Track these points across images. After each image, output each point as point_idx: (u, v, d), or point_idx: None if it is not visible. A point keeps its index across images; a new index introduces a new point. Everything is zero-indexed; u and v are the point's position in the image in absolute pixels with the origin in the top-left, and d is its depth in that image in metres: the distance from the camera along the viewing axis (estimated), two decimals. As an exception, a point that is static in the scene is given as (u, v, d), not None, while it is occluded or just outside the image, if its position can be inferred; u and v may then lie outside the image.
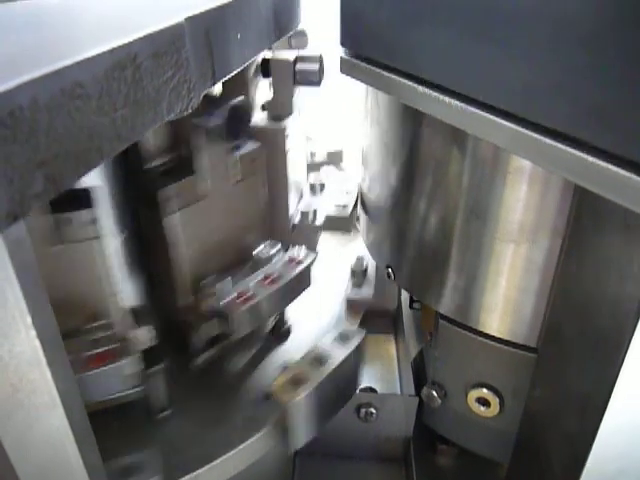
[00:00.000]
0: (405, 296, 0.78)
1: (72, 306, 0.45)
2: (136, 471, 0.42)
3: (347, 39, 0.49)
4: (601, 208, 0.37)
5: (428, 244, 0.53)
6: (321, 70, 0.62)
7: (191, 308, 0.53)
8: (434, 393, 0.58)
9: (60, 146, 0.24)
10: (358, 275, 0.76)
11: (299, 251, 0.58)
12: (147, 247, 0.54)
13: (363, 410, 0.66)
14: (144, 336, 0.48)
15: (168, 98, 0.32)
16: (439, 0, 0.38)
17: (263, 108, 0.65)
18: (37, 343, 0.26)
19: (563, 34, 0.31)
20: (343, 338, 0.54)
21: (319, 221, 0.69)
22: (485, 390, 0.54)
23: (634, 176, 0.30)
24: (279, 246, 0.57)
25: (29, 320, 0.26)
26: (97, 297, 0.46)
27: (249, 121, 0.49)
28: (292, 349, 0.61)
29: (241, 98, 0.51)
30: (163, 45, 0.31)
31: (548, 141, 0.33)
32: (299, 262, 0.56)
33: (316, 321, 0.67)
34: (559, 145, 0.33)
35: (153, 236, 0.51)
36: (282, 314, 0.63)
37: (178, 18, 0.33)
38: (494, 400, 0.54)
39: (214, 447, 0.49)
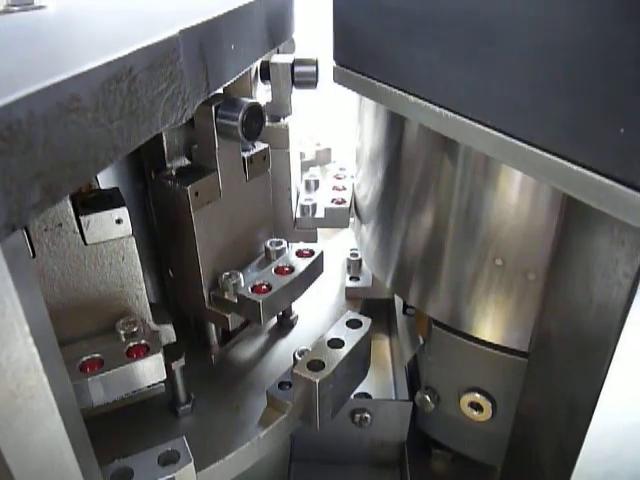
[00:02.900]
0: (399, 302, 0.78)
1: (103, 305, 0.48)
2: (172, 459, 0.44)
3: (340, 55, 0.50)
4: (588, 216, 0.38)
5: (420, 251, 0.54)
6: (317, 72, 0.65)
7: (212, 302, 0.56)
8: (427, 398, 0.59)
9: (57, 157, 0.25)
10: (354, 265, 0.79)
11: (303, 245, 0.61)
12: (164, 246, 0.57)
13: (358, 415, 0.66)
14: (168, 331, 0.52)
15: (163, 109, 0.33)
16: (427, 21, 0.39)
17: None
18: (34, 350, 0.27)
19: (543, 55, 0.32)
20: (354, 324, 0.56)
21: (318, 214, 0.72)
22: (477, 395, 0.55)
23: (618, 185, 0.30)
24: (285, 242, 0.60)
25: (27, 328, 0.26)
26: (125, 295, 0.49)
27: (264, 121, 0.51)
28: (301, 337, 0.66)
29: (257, 99, 0.53)
30: (158, 57, 0.32)
31: (535, 150, 0.34)
32: (311, 252, 0.59)
33: (317, 311, 0.71)
34: (545, 154, 0.34)
35: (174, 234, 0.54)
36: (290, 305, 0.66)
37: (172, 31, 0.34)
38: (486, 404, 0.55)
39: (239, 433, 0.52)
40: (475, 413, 0.56)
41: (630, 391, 0.39)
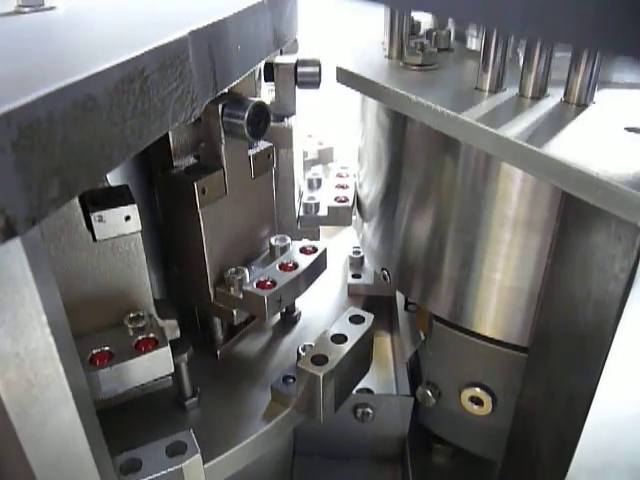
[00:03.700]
0: (400, 298, 0.79)
1: (110, 300, 0.49)
2: (180, 451, 0.45)
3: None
4: (586, 213, 0.39)
5: (422, 247, 0.55)
6: (320, 73, 0.66)
7: (217, 297, 0.57)
8: (429, 393, 0.60)
9: (74, 155, 0.26)
10: (356, 263, 0.80)
11: (306, 242, 0.62)
12: (171, 242, 0.58)
13: (360, 410, 0.67)
14: (173, 327, 0.52)
15: (173, 108, 0.34)
16: None
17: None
18: (51, 340, 0.28)
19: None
20: (356, 320, 0.57)
21: (321, 212, 0.73)
22: (478, 389, 0.56)
23: (615, 182, 0.31)
24: (289, 239, 0.61)
25: (44, 318, 0.27)
26: (132, 290, 0.50)
27: (270, 119, 0.52)
28: (304, 333, 0.67)
29: (261, 98, 0.54)
30: (168, 58, 0.33)
31: (533, 148, 0.35)
32: (314, 249, 0.60)
33: (320, 307, 0.72)
34: (543, 151, 0.35)
35: (181, 230, 0.55)
36: (293, 301, 0.67)
37: (182, 32, 0.34)
38: (487, 399, 0.55)
39: (244, 426, 0.53)
40: (475, 407, 0.57)
41: (627, 384, 0.40)
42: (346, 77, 0.54)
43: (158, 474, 0.43)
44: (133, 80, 0.30)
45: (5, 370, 0.27)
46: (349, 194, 0.75)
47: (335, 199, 0.74)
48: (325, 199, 0.75)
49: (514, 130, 0.38)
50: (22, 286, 0.26)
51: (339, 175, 0.81)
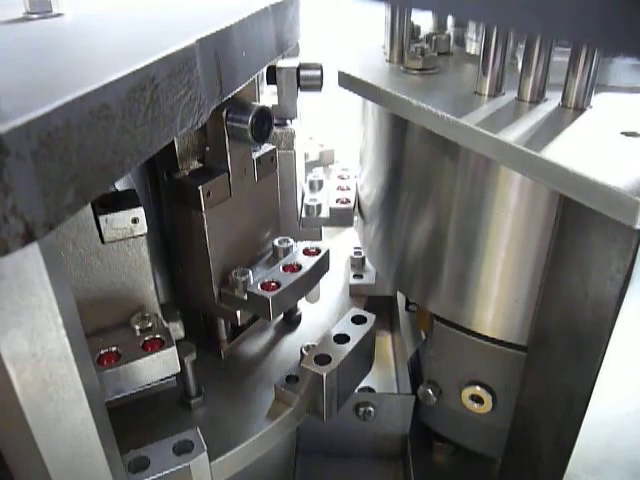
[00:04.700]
0: (401, 298, 0.80)
1: (117, 301, 0.50)
2: (187, 449, 0.46)
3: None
4: (583, 215, 0.40)
5: (422, 248, 0.56)
6: (322, 76, 0.67)
7: (222, 298, 0.58)
8: (430, 391, 0.61)
9: (89, 161, 0.26)
10: (358, 263, 0.81)
11: (310, 244, 0.63)
12: (175, 244, 0.58)
13: (362, 409, 0.68)
14: (178, 328, 0.54)
15: (181, 114, 0.35)
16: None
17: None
18: (66, 341, 0.29)
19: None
20: (358, 320, 0.58)
21: (323, 214, 0.74)
22: (478, 388, 0.57)
23: (611, 185, 0.32)
24: (292, 241, 0.62)
25: (60, 320, 0.28)
26: (138, 292, 0.51)
27: (273, 123, 0.53)
28: (307, 333, 0.68)
29: (263, 102, 0.55)
30: (177, 66, 0.34)
31: (532, 152, 0.36)
32: (317, 251, 0.61)
33: (322, 308, 0.74)
34: (542, 155, 0.35)
35: (185, 232, 0.55)
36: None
37: (190, 40, 0.35)
38: (487, 397, 0.56)
39: (249, 425, 0.54)
40: (476, 406, 0.58)
41: (624, 381, 0.41)
42: (348, 81, 0.55)
43: (166, 472, 0.44)
44: (144, 88, 0.30)
45: (22, 370, 0.28)
46: (350, 195, 0.76)
47: (337, 200, 0.75)
48: (327, 200, 0.75)
49: (513, 134, 0.39)
50: (39, 289, 0.27)
51: (340, 177, 0.82)
